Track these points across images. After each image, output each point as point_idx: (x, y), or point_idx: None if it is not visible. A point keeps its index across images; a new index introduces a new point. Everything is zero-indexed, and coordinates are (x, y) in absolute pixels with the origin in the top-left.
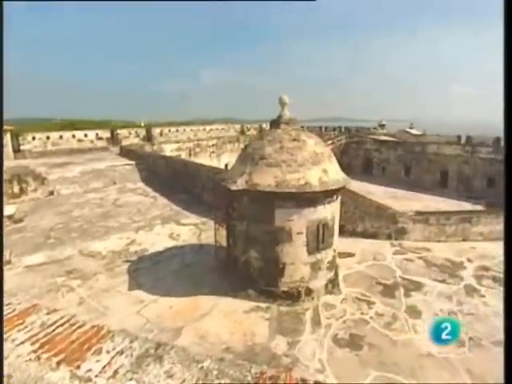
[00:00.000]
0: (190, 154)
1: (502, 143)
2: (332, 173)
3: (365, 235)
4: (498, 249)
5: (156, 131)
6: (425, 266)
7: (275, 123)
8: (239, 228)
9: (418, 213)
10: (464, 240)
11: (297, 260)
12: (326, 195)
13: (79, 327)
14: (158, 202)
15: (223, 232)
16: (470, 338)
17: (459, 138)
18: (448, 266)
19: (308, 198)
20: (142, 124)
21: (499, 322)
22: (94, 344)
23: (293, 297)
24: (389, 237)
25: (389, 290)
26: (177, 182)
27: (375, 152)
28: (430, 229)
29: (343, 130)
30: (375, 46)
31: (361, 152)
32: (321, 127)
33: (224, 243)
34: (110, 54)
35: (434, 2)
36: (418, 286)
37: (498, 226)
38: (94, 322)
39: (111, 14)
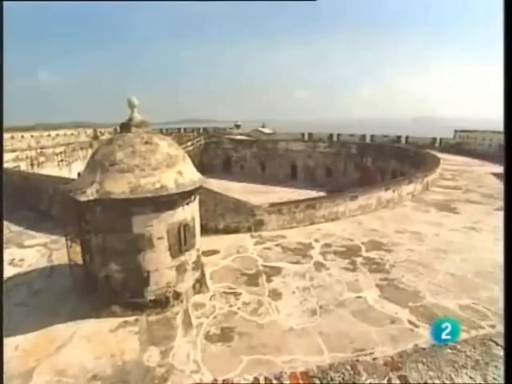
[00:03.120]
0: (33, 165)
1: (335, 139)
2: (187, 174)
3: (227, 231)
4: (335, 227)
5: None
6: (281, 252)
7: (125, 127)
8: (95, 241)
9: (272, 204)
10: (311, 224)
11: (161, 266)
12: (183, 197)
13: None
14: None
15: (78, 248)
16: (320, 307)
17: (303, 135)
18: (300, 249)
19: (165, 202)
20: None
21: (340, 288)
22: None
23: (161, 304)
24: (249, 229)
25: (253, 279)
26: (16, 198)
27: (233, 151)
28: (283, 217)
29: (202, 131)
30: (233, 51)
31: (220, 152)
32: (179, 129)
33: (80, 261)
34: None
35: (287, 10)
36: (277, 271)
37: (335, 208)
38: None
39: None
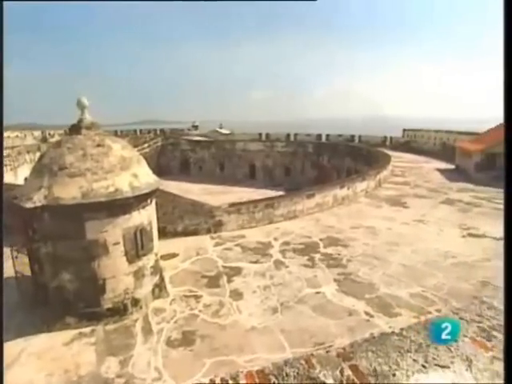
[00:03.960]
0: None
1: (292, 138)
2: (143, 176)
3: (186, 233)
4: (294, 225)
5: None
6: (241, 252)
7: (75, 129)
8: (44, 250)
9: (231, 205)
10: (270, 223)
11: (117, 272)
12: (139, 200)
13: None
14: None
15: (25, 259)
16: (281, 304)
17: (260, 135)
18: (260, 248)
19: (120, 206)
20: None
21: (299, 284)
22: None
23: (119, 311)
24: (208, 231)
25: (213, 281)
26: None
27: (191, 152)
28: (242, 217)
29: (158, 132)
30: (189, 51)
31: (177, 153)
32: (135, 130)
33: (27, 272)
34: None
35: (243, 10)
36: (237, 271)
37: (293, 206)
38: None
39: None
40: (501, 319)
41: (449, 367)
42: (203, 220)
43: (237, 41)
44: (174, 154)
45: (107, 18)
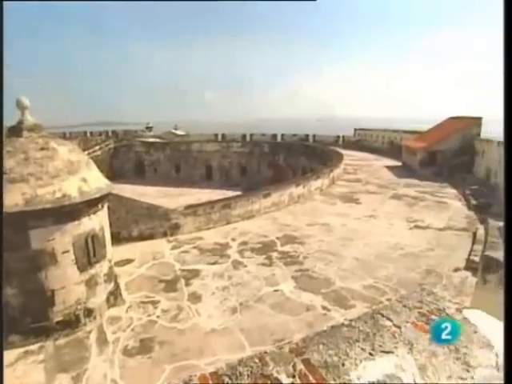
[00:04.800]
0: None
1: (248, 138)
2: (93, 181)
3: (141, 238)
4: (251, 225)
5: None
6: (199, 254)
7: (15, 131)
8: None
9: (187, 207)
10: (227, 223)
11: (68, 282)
12: (89, 205)
13: None
14: None
15: None
16: (240, 304)
17: (216, 136)
18: (218, 249)
19: (69, 212)
20: None
21: (258, 283)
22: None
23: (70, 324)
24: (164, 234)
25: (171, 285)
26: None
27: (145, 154)
28: (199, 219)
29: (110, 134)
30: (138, 51)
31: (131, 155)
32: (86, 132)
33: None
34: None
35: (195, 10)
36: (195, 274)
37: (249, 206)
38: None
39: None
40: (438, 304)
41: (393, 352)
42: (159, 223)
43: (191, 41)
44: (128, 156)
45: (56, 14)
